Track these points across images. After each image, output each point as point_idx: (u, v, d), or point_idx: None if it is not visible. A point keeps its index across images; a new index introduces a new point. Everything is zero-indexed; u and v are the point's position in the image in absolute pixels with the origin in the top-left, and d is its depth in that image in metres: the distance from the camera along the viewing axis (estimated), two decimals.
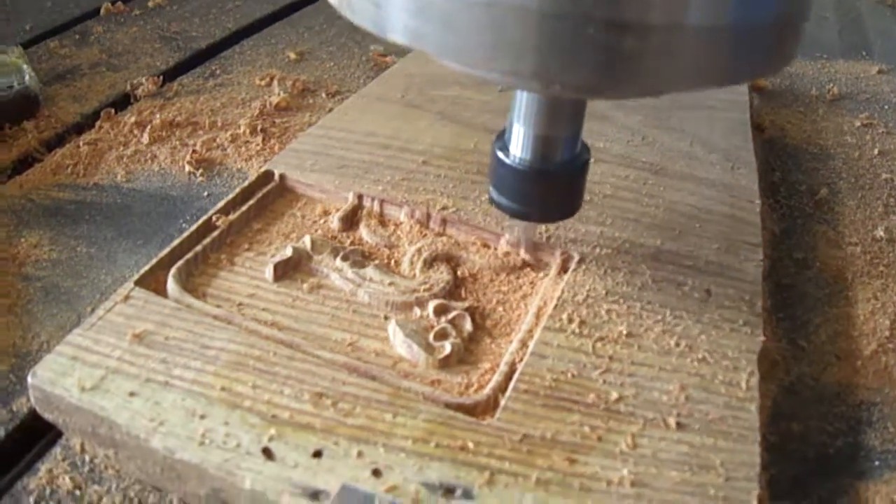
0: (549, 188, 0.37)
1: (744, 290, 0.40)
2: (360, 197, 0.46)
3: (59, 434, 0.35)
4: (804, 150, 0.61)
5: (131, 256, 0.46)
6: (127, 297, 0.37)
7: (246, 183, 0.46)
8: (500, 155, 0.37)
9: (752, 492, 0.31)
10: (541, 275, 0.42)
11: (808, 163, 0.59)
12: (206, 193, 0.51)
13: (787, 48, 0.30)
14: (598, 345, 0.36)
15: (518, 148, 0.36)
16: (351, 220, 0.45)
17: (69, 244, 0.46)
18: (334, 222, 0.45)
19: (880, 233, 0.51)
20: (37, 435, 0.36)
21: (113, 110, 0.59)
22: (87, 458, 0.34)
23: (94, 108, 0.61)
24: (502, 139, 0.37)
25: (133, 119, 0.58)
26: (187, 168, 0.53)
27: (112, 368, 0.34)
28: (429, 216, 0.44)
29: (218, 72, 0.67)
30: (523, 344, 0.37)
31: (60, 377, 0.33)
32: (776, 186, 0.56)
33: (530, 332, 0.37)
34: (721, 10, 0.27)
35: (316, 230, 0.44)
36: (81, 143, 0.55)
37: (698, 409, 0.34)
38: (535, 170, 0.36)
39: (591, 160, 0.38)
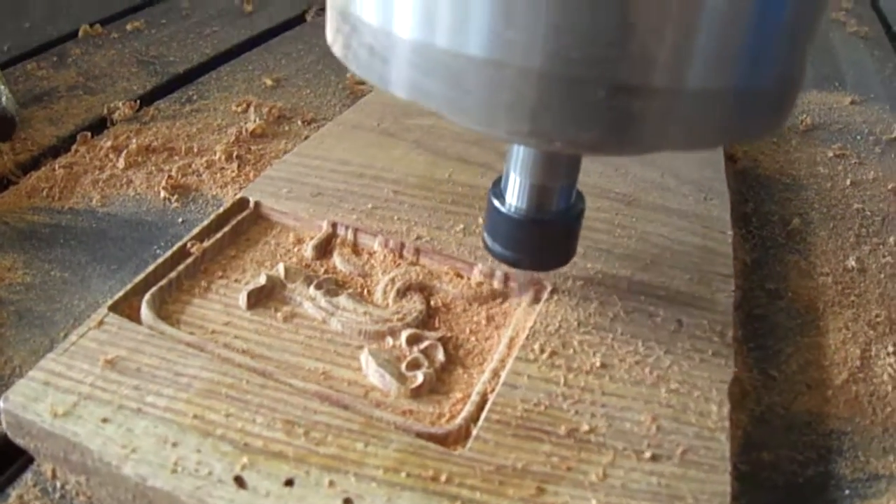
0: (545, 237, 0.38)
1: (715, 321, 0.41)
2: (334, 225, 0.46)
3: (31, 460, 0.35)
4: (777, 180, 0.62)
5: (105, 282, 0.46)
6: (100, 323, 0.38)
7: (221, 210, 0.47)
8: (496, 203, 0.38)
9: None
10: (513, 305, 0.43)
11: (780, 193, 0.60)
12: (180, 220, 0.52)
13: (785, 109, 0.31)
14: (570, 375, 0.37)
15: (514, 197, 0.37)
16: (325, 249, 0.46)
17: (43, 268, 0.47)
18: (308, 250, 0.45)
19: (851, 263, 0.52)
20: (7, 460, 0.36)
21: (89, 134, 0.60)
22: (58, 484, 0.34)
23: (70, 131, 0.61)
24: (498, 187, 0.38)
25: (109, 143, 0.58)
26: (162, 194, 0.53)
27: (85, 394, 0.34)
28: (402, 245, 0.45)
29: (195, 97, 0.67)
30: (495, 374, 0.37)
31: (32, 402, 0.33)
32: (748, 217, 0.57)
33: (502, 362, 0.38)
34: (723, 73, 0.27)
35: (290, 258, 0.45)
36: (57, 167, 0.56)
37: (669, 440, 0.34)
38: (530, 219, 0.37)
39: (583, 211, 0.39)
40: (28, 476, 0.34)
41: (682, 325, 0.41)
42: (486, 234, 0.39)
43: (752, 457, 0.38)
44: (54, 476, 0.34)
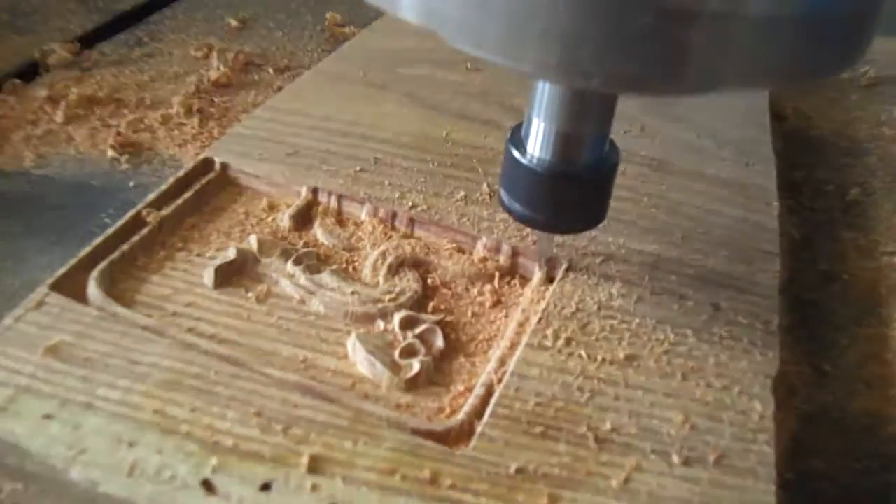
0: (572, 194, 0.38)
1: (757, 306, 0.42)
2: (314, 191, 0.47)
3: None
4: (833, 143, 0.63)
5: (43, 256, 0.47)
6: (40, 304, 0.39)
7: (181, 172, 0.48)
8: (516, 154, 0.38)
9: None
10: (523, 284, 0.44)
11: (837, 158, 0.61)
12: (132, 183, 0.52)
13: (860, 43, 0.31)
14: (590, 366, 0.38)
15: (537, 146, 0.37)
16: (304, 218, 0.47)
17: None
18: (284, 220, 0.46)
19: None
20: None
21: (19, 81, 0.60)
22: None
23: None
24: (517, 135, 0.38)
25: (44, 93, 0.59)
26: (110, 153, 0.54)
27: (23, 387, 0.35)
28: (394, 215, 0.46)
29: (145, 39, 0.68)
30: (502, 363, 0.38)
31: None
32: (799, 186, 0.58)
33: (511, 349, 0.39)
34: None
35: (263, 229, 0.46)
36: None
37: (703, 442, 0.35)
38: (555, 172, 0.37)
39: (618, 163, 0.39)
40: None
41: (718, 309, 0.42)
42: (502, 190, 0.40)
43: (801, 464, 0.39)
44: None
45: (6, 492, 0.34)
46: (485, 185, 0.49)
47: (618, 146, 0.39)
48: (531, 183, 0.38)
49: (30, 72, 0.63)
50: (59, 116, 0.57)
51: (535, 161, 0.37)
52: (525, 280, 0.44)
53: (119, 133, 0.55)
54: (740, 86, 0.30)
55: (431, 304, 0.42)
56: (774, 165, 0.53)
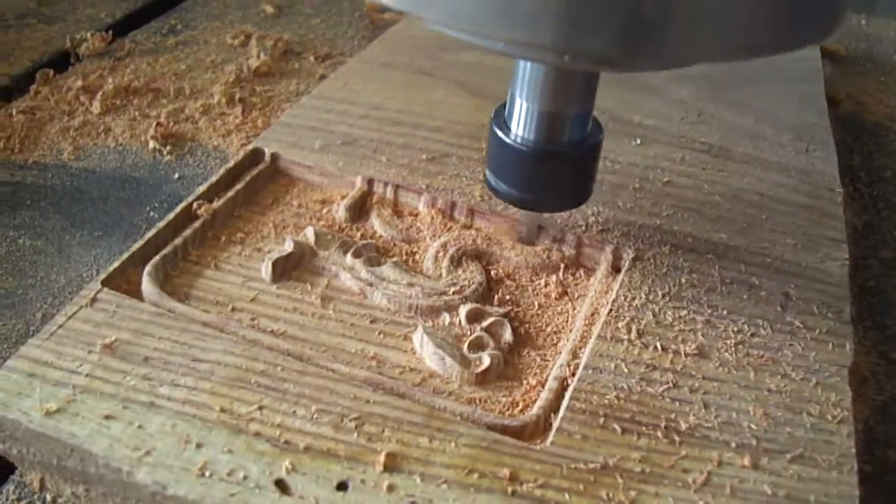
0: (557, 173, 0.40)
1: (827, 294, 0.42)
2: (370, 182, 0.47)
3: (11, 468, 0.36)
4: (888, 128, 0.63)
5: (88, 251, 0.47)
6: (93, 300, 0.39)
7: (230, 163, 0.48)
8: (500, 134, 0.39)
9: None
10: (588, 274, 0.44)
11: (893, 143, 0.61)
12: (176, 175, 0.53)
13: (836, 8, 0.32)
14: (664, 358, 0.38)
15: (521, 126, 0.38)
16: (359, 210, 0.47)
17: (8, 235, 0.48)
18: (340, 212, 0.46)
19: None
20: None
21: (51, 72, 0.60)
22: (48, 497, 0.35)
23: (25, 68, 0.62)
24: (501, 116, 0.39)
25: (79, 83, 0.59)
26: (151, 144, 0.54)
27: (81, 387, 0.35)
28: (453, 205, 0.46)
29: (178, 27, 0.68)
30: (574, 356, 0.38)
31: (15, 398, 0.34)
32: (855, 171, 0.58)
33: (582, 341, 0.39)
34: None
35: (318, 221, 0.46)
36: (14, 112, 0.56)
37: (783, 434, 0.35)
38: (540, 151, 0.39)
39: (604, 138, 0.41)
40: (9, 489, 0.35)
41: (789, 298, 0.42)
42: (487, 171, 0.41)
43: (877, 455, 0.39)
44: (43, 487, 0.35)
45: (66, 495, 0.34)
46: None
47: (601, 124, 0.40)
48: (516, 163, 0.39)
49: (61, 62, 0.63)
50: (95, 107, 0.57)
51: (519, 141, 0.39)
52: (589, 270, 0.44)
53: (160, 124, 0.55)
54: (716, 58, 0.30)
55: (496, 297, 0.42)
56: (834, 151, 0.53)
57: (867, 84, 0.68)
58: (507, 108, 0.39)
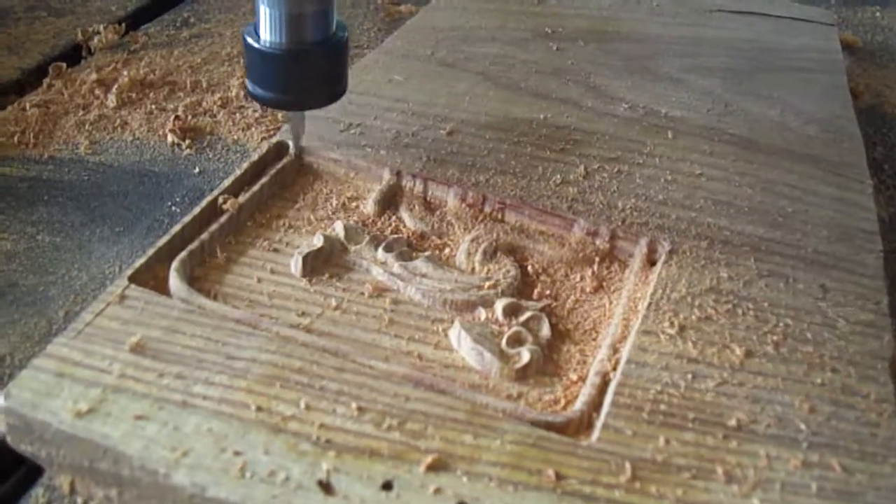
0: (309, 70, 0.43)
1: (864, 286, 0.42)
2: (398, 174, 0.47)
3: (39, 470, 0.34)
4: None
5: (110, 247, 0.46)
6: (122, 297, 0.38)
7: (255, 157, 0.47)
8: (250, 41, 0.43)
9: None
10: (624, 268, 0.43)
11: None
12: (196, 169, 0.52)
13: None
14: (708, 352, 0.38)
15: (267, 31, 0.42)
16: (388, 203, 0.46)
17: (26, 232, 0.46)
18: (369, 205, 0.46)
19: None
20: (4, 474, 0.35)
21: (64, 65, 0.59)
22: (79, 501, 0.34)
23: (37, 61, 0.61)
24: (251, 25, 0.43)
25: (93, 77, 0.58)
26: (170, 138, 0.53)
27: (112, 386, 0.34)
28: (484, 199, 0.46)
29: (192, 20, 0.67)
30: (615, 350, 0.38)
31: (44, 398, 0.33)
32: (879, 164, 0.57)
33: (622, 335, 0.39)
34: None
35: (347, 215, 0.45)
36: (28, 106, 0.55)
37: (830, 427, 0.35)
38: (289, 52, 0.42)
39: (347, 40, 0.45)
40: (38, 492, 0.34)
41: (826, 290, 0.42)
42: (248, 81, 0.44)
43: None
44: (73, 491, 0.34)
45: (98, 499, 0.33)
46: (581, 168, 0.48)
47: (345, 24, 0.44)
48: (268, 66, 0.43)
49: (73, 55, 0.62)
50: (111, 101, 0.56)
51: (268, 45, 0.42)
52: (623, 264, 0.44)
53: (178, 117, 0.54)
54: None
55: (532, 291, 0.42)
56: (862, 142, 0.53)
57: (886, 76, 0.68)
58: (255, 18, 0.43)
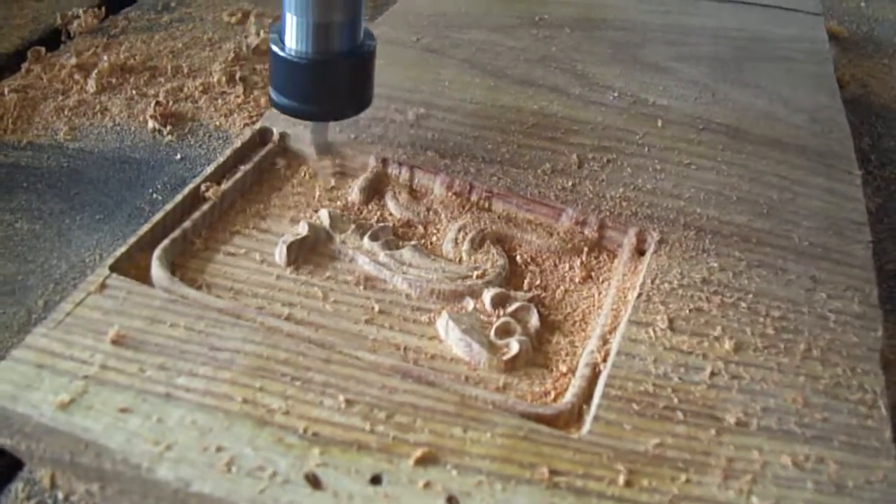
0: (334, 81, 0.42)
1: (854, 277, 0.42)
2: (384, 162, 0.46)
3: (19, 465, 0.34)
4: (894, 110, 0.62)
5: (90, 235, 0.45)
6: (102, 286, 0.37)
7: (238, 143, 0.46)
8: (276, 49, 0.41)
9: None
10: (612, 258, 0.43)
11: None
12: (178, 156, 0.51)
13: None
14: (698, 343, 0.37)
15: (293, 40, 0.41)
16: (373, 191, 0.45)
17: (4, 219, 0.45)
18: (354, 193, 0.45)
19: None
20: None
21: (43, 49, 0.58)
22: (59, 495, 0.33)
23: (15, 45, 0.60)
24: (277, 33, 0.42)
25: (73, 61, 0.57)
26: (151, 124, 0.52)
27: (94, 378, 0.33)
28: (471, 187, 0.45)
29: (173, 4, 0.66)
30: (605, 342, 0.37)
31: (23, 391, 0.32)
32: (865, 154, 0.57)
33: (611, 327, 0.38)
34: None
35: (331, 203, 0.44)
36: (6, 91, 0.54)
37: (821, 419, 0.35)
38: (315, 62, 0.41)
39: (375, 50, 0.44)
40: (17, 487, 0.33)
41: (816, 281, 0.41)
42: (271, 89, 0.43)
43: None
44: (54, 485, 0.33)
45: (79, 493, 0.32)
46: (574, 157, 0.48)
47: (373, 34, 0.43)
48: (294, 75, 0.42)
49: (52, 39, 0.61)
50: (90, 86, 0.55)
51: (293, 54, 0.41)
52: (612, 254, 0.43)
53: (159, 103, 0.53)
54: None
55: (520, 281, 0.41)
56: (849, 132, 0.53)
57: (871, 67, 0.68)
58: (281, 25, 0.42)
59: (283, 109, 0.43)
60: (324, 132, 0.46)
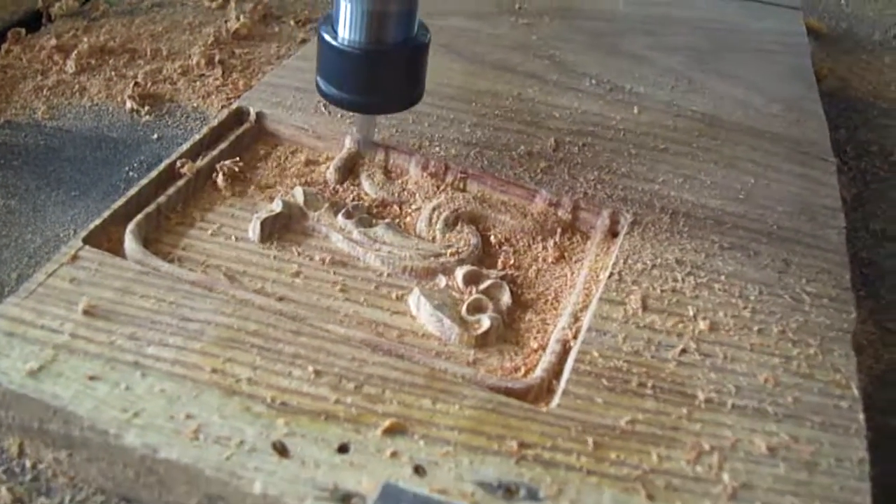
0: (386, 73, 0.40)
1: (827, 261, 0.42)
2: (359, 142, 0.46)
3: None
4: (872, 104, 0.63)
5: (65, 211, 0.45)
6: (74, 258, 0.36)
7: (215, 122, 0.46)
8: (328, 38, 0.40)
9: (864, 491, 0.31)
10: (585, 239, 0.43)
11: (876, 119, 0.61)
12: (155, 136, 0.50)
13: None
14: (668, 321, 0.37)
15: (346, 29, 0.39)
16: (348, 171, 0.45)
17: None
18: (329, 172, 0.44)
19: None
20: None
21: (23, 31, 0.58)
22: (27, 463, 0.33)
23: None
24: (330, 21, 0.40)
25: (52, 42, 0.56)
26: (129, 104, 0.52)
27: (63, 346, 0.32)
28: (446, 168, 0.45)
29: None
30: (576, 319, 0.37)
31: None
32: (841, 146, 0.57)
33: (583, 305, 0.38)
34: None
35: (306, 181, 0.44)
36: None
37: (792, 398, 0.34)
38: (367, 52, 0.39)
39: (429, 42, 0.42)
40: None
41: (789, 265, 0.41)
42: (319, 78, 0.41)
43: (878, 422, 0.38)
44: (22, 453, 0.33)
45: (48, 461, 0.32)
46: (550, 140, 0.48)
47: (427, 27, 0.41)
48: (345, 65, 0.40)
49: (33, 21, 0.60)
50: (70, 67, 0.55)
51: (346, 43, 0.39)
52: (585, 235, 0.43)
53: (137, 83, 0.53)
54: None
55: (493, 260, 0.41)
56: (825, 121, 0.53)
57: (850, 62, 0.68)
58: (333, 12, 0.40)
59: (329, 98, 0.42)
60: (370, 126, 0.44)
